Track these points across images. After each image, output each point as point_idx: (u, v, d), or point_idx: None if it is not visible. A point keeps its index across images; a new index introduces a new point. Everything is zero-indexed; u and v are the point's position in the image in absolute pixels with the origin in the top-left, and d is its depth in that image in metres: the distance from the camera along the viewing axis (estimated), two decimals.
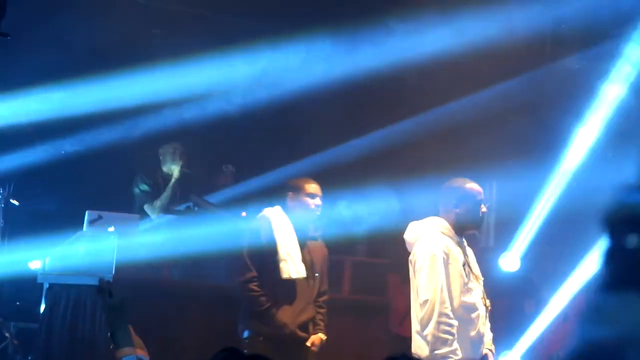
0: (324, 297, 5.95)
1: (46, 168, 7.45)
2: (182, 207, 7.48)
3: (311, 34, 7.66)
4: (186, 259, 6.86)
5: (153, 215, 7.61)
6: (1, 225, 6.84)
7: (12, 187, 7.01)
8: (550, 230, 7.76)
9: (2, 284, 6.85)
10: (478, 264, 4.96)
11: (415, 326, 4.67)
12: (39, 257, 5.87)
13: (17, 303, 6.90)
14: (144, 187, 7.71)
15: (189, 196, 7.32)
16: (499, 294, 5.75)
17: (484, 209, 4.86)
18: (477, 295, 4.75)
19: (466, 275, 4.71)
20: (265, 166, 8.07)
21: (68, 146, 7.83)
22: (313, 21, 7.67)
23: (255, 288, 5.70)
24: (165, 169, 7.84)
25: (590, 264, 7.18)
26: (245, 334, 5.77)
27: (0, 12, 4.96)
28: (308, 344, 5.79)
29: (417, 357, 4.43)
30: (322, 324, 5.88)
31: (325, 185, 6.04)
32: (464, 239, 4.89)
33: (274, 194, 6.30)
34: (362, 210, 7.88)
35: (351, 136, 8.19)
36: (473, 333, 4.69)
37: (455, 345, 4.55)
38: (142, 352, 3.19)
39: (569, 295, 7.37)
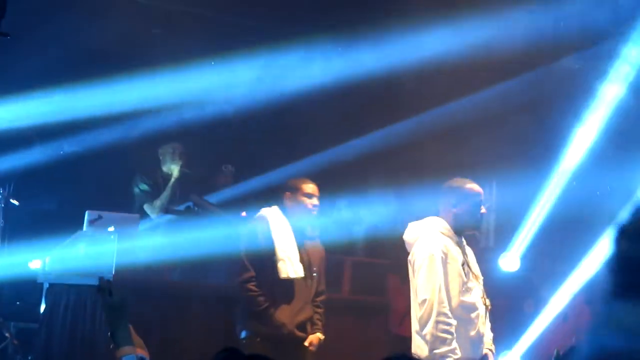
0: (322, 297, 5.94)
1: (46, 168, 7.44)
2: (182, 207, 7.47)
3: (311, 35, 7.66)
4: (186, 262, 6.87)
5: (153, 215, 7.62)
6: (1, 225, 6.84)
7: (12, 187, 7.00)
8: (550, 230, 7.75)
9: (2, 284, 6.84)
10: (478, 264, 4.96)
11: (414, 326, 4.67)
12: (39, 257, 5.86)
13: (17, 303, 6.89)
14: (144, 186, 7.71)
15: (189, 196, 7.32)
16: (498, 294, 5.75)
17: (483, 209, 4.87)
18: (476, 295, 4.75)
19: (465, 275, 4.72)
20: (264, 166, 8.06)
21: (68, 146, 7.83)
22: (313, 22, 7.67)
23: (253, 288, 5.69)
24: (165, 168, 7.84)
25: (590, 264, 7.18)
26: (243, 334, 5.76)
27: (0, 12, 4.96)
28: (306, 343, 5.79)
29: (416, 357, 4.43)
30: (319, 323, 5.87)
31: (325, 185, 6.04)
32: (463, 239, 4.90)
33: (273, 194, 6.31)
34: (362, 211, 7.88)
35: (350, 137, 8.19)
36: (473, 333, 4.70)
37: (454, 344, 4.55)
38: (142, 352, 3.19)
39: (569, 295, 7.37)
